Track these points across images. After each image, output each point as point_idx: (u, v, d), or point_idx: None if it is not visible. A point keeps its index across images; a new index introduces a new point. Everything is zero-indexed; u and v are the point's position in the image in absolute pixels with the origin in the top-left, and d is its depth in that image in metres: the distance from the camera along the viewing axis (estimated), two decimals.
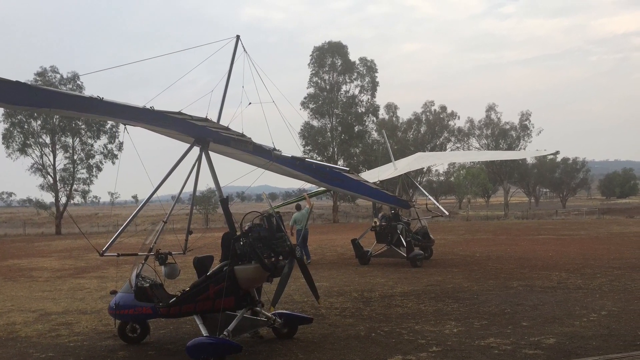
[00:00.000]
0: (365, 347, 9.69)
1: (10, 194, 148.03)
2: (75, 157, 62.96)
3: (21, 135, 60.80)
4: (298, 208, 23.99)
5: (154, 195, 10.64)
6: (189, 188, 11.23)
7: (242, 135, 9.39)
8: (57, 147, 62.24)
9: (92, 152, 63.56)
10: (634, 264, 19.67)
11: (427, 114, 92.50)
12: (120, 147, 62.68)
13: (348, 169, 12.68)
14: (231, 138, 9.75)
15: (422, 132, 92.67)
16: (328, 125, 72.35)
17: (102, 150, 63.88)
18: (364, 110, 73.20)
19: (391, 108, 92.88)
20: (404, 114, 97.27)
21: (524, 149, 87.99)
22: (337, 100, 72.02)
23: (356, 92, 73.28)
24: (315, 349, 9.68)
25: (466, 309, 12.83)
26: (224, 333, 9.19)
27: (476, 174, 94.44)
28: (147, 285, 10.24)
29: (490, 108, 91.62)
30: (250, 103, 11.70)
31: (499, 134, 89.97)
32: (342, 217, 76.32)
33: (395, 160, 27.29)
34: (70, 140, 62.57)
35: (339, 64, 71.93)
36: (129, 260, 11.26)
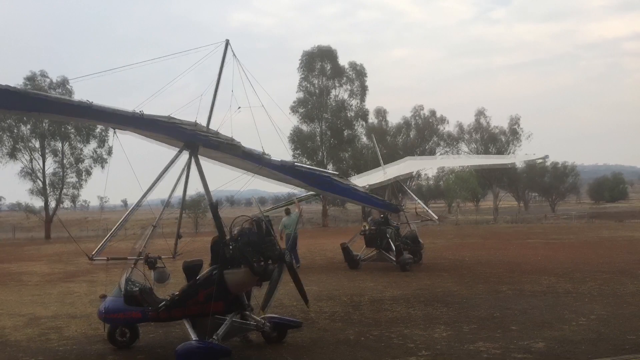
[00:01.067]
0: (354, 352, 9.72)
1: None
2: (64, 161, 62.94)
3: (10, 140, 60.76)
4: (287, 212, 23.97)
5: (144, 200, 10.66)
6: (178, 192, 11.25)
7: (232, 139, 9.41)
8: (47, 151, 62.21)
9: (81, 156, 63.65)
10: (623, 268, 19.75)
11: (417, 118, 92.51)
12: (109, 151, 62.25)
13: (337, 173, 12.74)
14: (221, 143, 9.77)
15: (411, 136, 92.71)
16: (317, 130, 72.37)
17: (91, 154, 64.02)
18: (353, 115, 73.22)
19: (381, 113, 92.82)
20: (394, 119, 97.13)
21: (514, 153, 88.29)
22: (327, 104, 72.02)
23: (345, 96, 73.35)
24: (305, 354, 9.71)
25: (455, 313, 12.86)
26: (214, 337, 9.20)
27: (466, 179, 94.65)
28: (137, 289, 10.26)
29: (480, 113, 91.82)
30: (239, 108, 11.72)
31: (489, 138, 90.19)
32: (331, 222, 76.28)
33: (384, 164, 27.36)
34: (60, 145, 62.56)
35: (329, 68, 71.97)
36: (118, 265, 11.24)
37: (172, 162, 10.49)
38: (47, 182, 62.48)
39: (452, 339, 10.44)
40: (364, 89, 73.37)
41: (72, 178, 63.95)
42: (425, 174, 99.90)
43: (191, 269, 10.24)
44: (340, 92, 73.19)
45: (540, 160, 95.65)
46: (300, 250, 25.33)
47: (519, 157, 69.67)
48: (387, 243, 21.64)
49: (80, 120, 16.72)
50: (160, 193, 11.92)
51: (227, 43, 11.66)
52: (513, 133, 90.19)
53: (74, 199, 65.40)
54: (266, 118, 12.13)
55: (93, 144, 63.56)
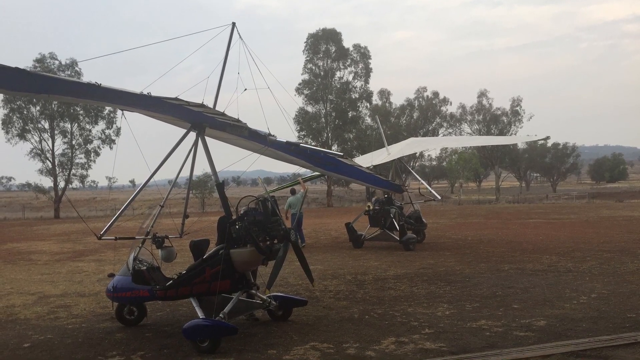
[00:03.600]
0: (359, 329, 9.81)
1: (9, 179, 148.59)
2: (73, 142, 63.63)
3: (20, 121, 61.51)
4: (293, 192, 24.08)
5: (151, 180, 10.77)
6: (185, 172, 11.36)
7: (238, 120, 9.49)
8: (56, 132, 62.95)
9: (90, 137, 64.43)
10: (623, 247, 19.87)
11: (420, 99, 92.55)
12: (117, 132, 63.19)
13: (342, 153, 12.82)
14: (227, 123, 9.83)
15: (414, 117, 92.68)
16: (322, 111, 72.44)
17: (100, 135, 64.76)
18: (357, 96, 73.37)
19: (384, 94, 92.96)
20: (397, 100, 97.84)
21: (515, 134, 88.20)
22: (331, 86, 72.09)
23: (350, 78, 73.49)
24: (310, 331, 9.79)
25: (458, 291, 12.97)
26: (220, 315, 9.28)
27: (468, 159, 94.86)
28: (144, 268, 10.32)
29: (482, 94, 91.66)
30: (245, 89, 11.79)
31: (491, 119, 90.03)
32: (336, 201, 76.48)
33: (388, 145, 27.40)
34: (69, 126, 63.26)
35: (333, 50, 71.99)
36: (126, 244, 11.33)
37: (179, 142, 10.58)
38: (56, 162, 63.20)
39: (455, 317, 10.54)
40: (368, 71, 73.50)
41: (80, 158, 64.84)
42: (429, 155, 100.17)
43: (198, 248, 10.33)
44: (345, 74, 73.36)
45: (541, 141, 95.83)
46: (305, 229, 25.48)
47: (520, 137, 69.73)
48: (391, 222, 21.76)
49: (89, 101, 16.82)
50: (168, 173, 12.08)
51: (234, 25, 11.72)
52: (515, 114, 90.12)
53: (82, 179, 66.15)
54: (272, 99, 12.23)
55: (101, 125, 64.42)
